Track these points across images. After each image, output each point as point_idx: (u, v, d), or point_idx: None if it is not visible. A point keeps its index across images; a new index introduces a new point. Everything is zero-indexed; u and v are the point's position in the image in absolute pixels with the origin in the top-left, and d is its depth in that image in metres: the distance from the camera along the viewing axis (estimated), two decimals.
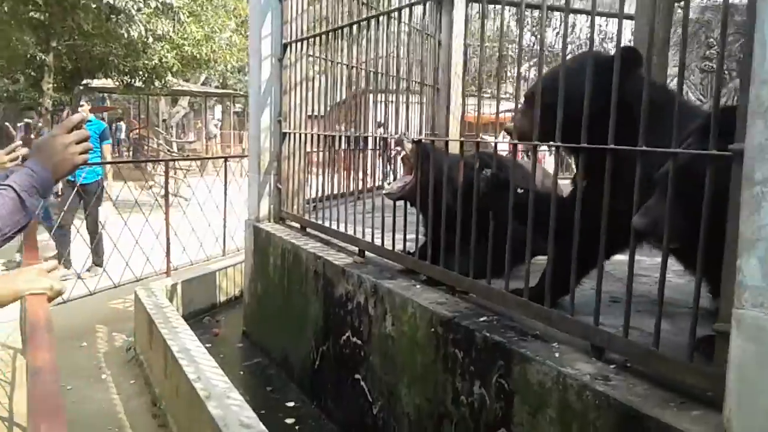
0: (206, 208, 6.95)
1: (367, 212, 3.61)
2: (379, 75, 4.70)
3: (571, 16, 8.56)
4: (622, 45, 2.08)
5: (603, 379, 1.97)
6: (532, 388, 2.16)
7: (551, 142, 2.24)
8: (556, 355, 2.17)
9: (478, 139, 2.71)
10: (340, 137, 4.17)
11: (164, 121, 22.88)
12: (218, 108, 29.64)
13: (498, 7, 6.44)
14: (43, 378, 0.83)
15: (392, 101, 3.41)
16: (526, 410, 2.19)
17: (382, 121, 3.75)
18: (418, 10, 5.53)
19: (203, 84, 23.19)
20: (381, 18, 3.55)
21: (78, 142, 1.55)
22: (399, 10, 3.34)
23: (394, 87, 3.37)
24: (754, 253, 1.47)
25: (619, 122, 2.00)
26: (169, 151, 18.44)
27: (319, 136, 4.35)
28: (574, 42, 11.60)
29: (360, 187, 4.22)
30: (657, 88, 2.16)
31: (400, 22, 3.37)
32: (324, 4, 4.40)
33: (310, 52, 4.55)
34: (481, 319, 2.55)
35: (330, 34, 4.21)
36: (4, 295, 1.26)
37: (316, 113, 4.41)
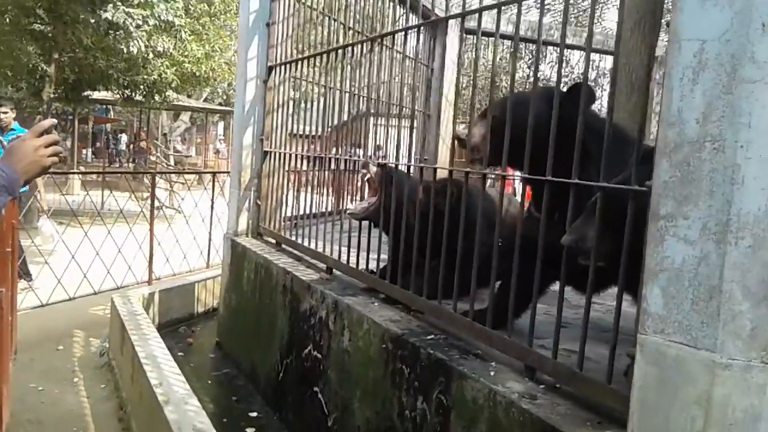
0: (193, 221, 7.07)
1: (344, 231, 3.72)
2: (369, 99, 4.87)
3: (566, 50, 8.78)
4: (578, 82, 2.22)
5: (530, 397, 2.07)
6: (467, 404, 2.26)
7: (497, 172, 2.36)
8: (492, 373, 2.28)
9: (467, 168, 2.61)
10: (319, 158, 4.30)
11: (165, 135, 23.09)
12: (221, 124, 29.93)
13: (491, 38, 6.64)
14: None
15: (382, 125, 3.53)
16: (461, 425, 2.29)
17: (380, 144, 3.89)
18: (409, 35, 5.69)
19: (205, 100, 23.44)
20: (367, 43, 3.67)
21: (47, 146, 1.64)
22: (389, 34, 3.43)
23: (385, 111, 3.47)
24: (657, 282, 1.59)
25: (563, 154, 2.12)
26: (166, 164, 18.59)
27: (299, 155, 4.48)
28: (568, 75, 11.85)
29: (337, 206, 4.33)
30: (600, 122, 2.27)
31: (385, 47, 3.50)
32: (312, 30, 4.56)
33: (296, 75, 4.70)
34: (429, 337, 2.66)
35: (316, 57, 4.35)
36: None
37: (306, 133, 4.54)
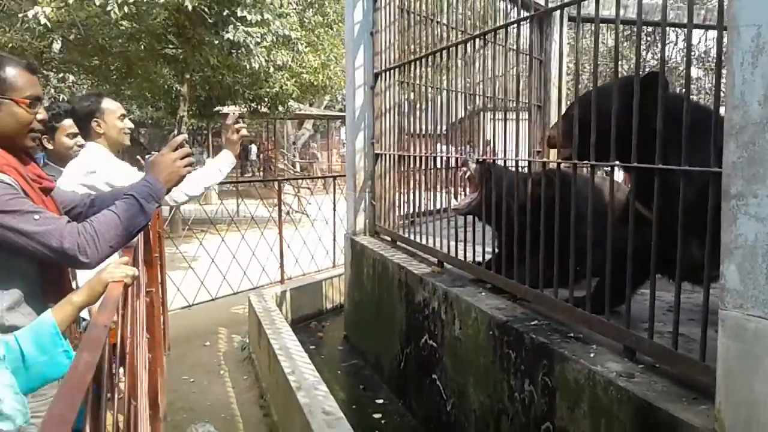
0: (319, 223, 7.54)
1: (454, 227, 3.86)
2: (477, 96, 4.98)
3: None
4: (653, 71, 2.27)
5: (627, 376, 2.16)
6: (569, 385, 2.37)
7: (588, 161, 2.45)
8: (591, 355, 2.37)
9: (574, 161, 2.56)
10: (427, 157, 4.50)
11: (294, 143, 24.20)
12: (343, 129, 30.96)
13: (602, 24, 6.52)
14: (96, 331, 1.18)
15: (494, 119, 3.61)
16: (565, 405, 2.40)
17: (489, 140, 4.00)
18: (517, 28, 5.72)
19: (326, 107, 24.34)
20: (470, 41, 3.75)
21: (182, 158, 1.97)
22: (498, 29, 3.43)
23: (494, 107, 3.54)
24: (732, 260, 1.65)
25: (646, 142, 2.18)
26: (293, 171, 19.56)
27: (407, 156, 4.69)
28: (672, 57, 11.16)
29: (447, 203, 4.49)
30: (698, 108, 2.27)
31: (492, 43, 3.59)
32: (415, 34, 4.72)
33: (402, 79, 4.91)
34: (532, 322, 2.78)
35: (419, 60, 4.52)
36: (96, 286, 1.65)
37: (418, 132, 4.73)
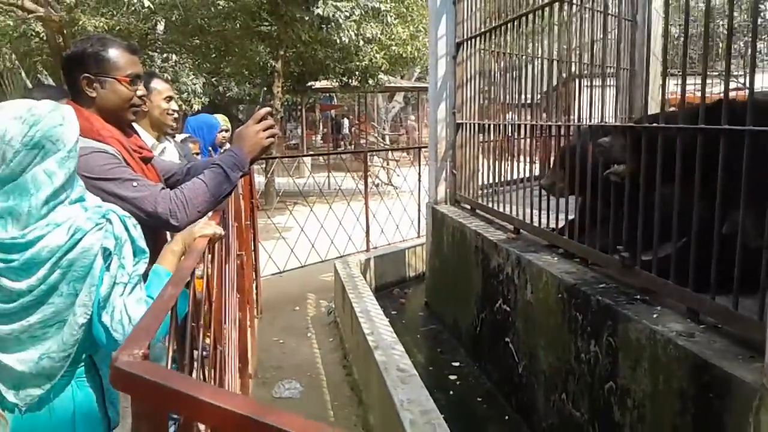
0: (405, 194, 7.71)
1: (533, 196, 3.90)
2: (565, 62, 4.85)
3: None
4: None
5: (687, 335, 2.19)
6: (631, 345, 2.42)
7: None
8: (654, 316, 2.41)
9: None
10: (506, 125, 4.52)
11: (384, 118, 24.40)
12: None
13: None
14: (182, 272, 1.36)
15: (587, 86, 3.52)
16: (628, 364, 2.45)
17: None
18: None
19: (418, 79, 24.35)
20: (557, 4, 3.64)
21: (265, 129, 2.06)
22: None
23: (587, 73, 3.37)
24: None
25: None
26: (383, 144, 19.81)
27: (488, 125, 4.74)
28: None
29: (529, 172, 4.50)
30: None
31: (579, 5, 3.52)
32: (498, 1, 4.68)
33: (485, 47, 4.91)
34: (600, 285, 2.82)
35: (500, 28, 4.49)
36: (187, 238, 1.85)
37: (503, 101, 4.66)
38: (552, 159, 3.55)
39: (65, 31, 8.89)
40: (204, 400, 0.64)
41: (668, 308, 2.47)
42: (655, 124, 2.48)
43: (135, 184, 1.85)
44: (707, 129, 2.21)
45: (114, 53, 1.93)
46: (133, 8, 8.55)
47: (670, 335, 2.21)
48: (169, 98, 3.09)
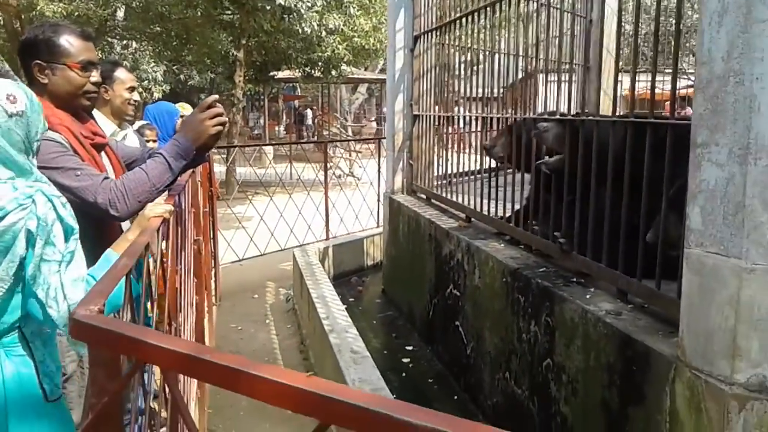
0: (365, 185, 7.83)
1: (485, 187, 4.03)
2: (523, 58, 4.94)
3: None
4: None
5: (615, 314, 2.36)
6: (566, 324, 2.58)
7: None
8: (588, 296, 2.58)
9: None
10: (463, 118, 4.68)
11: (346, 109, 24.46)
12: None
13: None
14: (135, 246, 1.44)
15: (544, 81, 3.63)
16: (563, 342, 2.62)
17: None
18: None
19: (381, 71, 24.45)
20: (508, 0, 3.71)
21: (212, 117, 2.02)
22: None
23: (542, 68, 3.48)
24: (696, 202, 1.82)
25: None
26: (346, 135, 19.88)
27: (444, 117, 4.87)
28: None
29: (481, 162, 4.65)
30: None
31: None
32: None
33: (444, 41, 5.03)
34: (540, 269, 2.99)
35: (458, 21, 4.60)
36: (142, 221, 1.91)
37: (472, 95, 4.75)
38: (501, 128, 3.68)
39: (23, 16, 8.76)
40: (152, 342, 0.74)
41: (601, 290, 2.64)
42: (588, 118, 2.64)
43: (78, 173, 1.87)
44: (636, 122, 2.38)
45: (66, 39, 1.97)
46: None
47: (600, 314, 2.38)
48: (132, 89, 3.13)
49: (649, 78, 2.35)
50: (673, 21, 2.27)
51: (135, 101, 3.15)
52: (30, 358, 1.50)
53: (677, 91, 2.31)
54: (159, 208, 1.92)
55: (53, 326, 1.47)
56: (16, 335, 1.50)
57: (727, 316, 1.73)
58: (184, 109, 5.11)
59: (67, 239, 1.48)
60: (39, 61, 1.95)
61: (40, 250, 1.41)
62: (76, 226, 1.52)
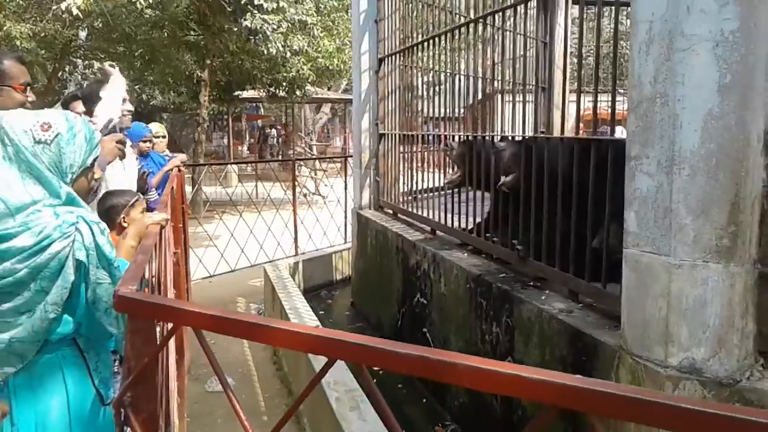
0: (332, 202, 8.04)
1: (448, 201, 4.27)
2: (483, 79, 5.20)
3: None
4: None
5: (567, 312, 2.61)
6: (524, 323, 2.82)
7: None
8: (543, 297, 2.82)
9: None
10: (425, 136, 4.93)
11: (310, 129, 24.64)
12: None
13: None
14: (142, 257, 1.62)
15: (506, 101, 3.88)
16: (522, 340, 2.86)
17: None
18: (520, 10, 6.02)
19: (344, 91, 24.76)
20: (471, 24, 3.99)
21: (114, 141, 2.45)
22: (496, 12, 3.66)
23: (499, 89, 3.76)
24: (632, 208, 2.08)
25: None
26: (311, 154, 20.06)
27: (408, 135, 5.12)
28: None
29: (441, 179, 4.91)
30: None
31: (492, 26, 3.93)
32: (417, 20, 5.10)
33: (407, 63, 5.30)
34: (501, 275, 3.23)
35: (419, 46, 4.89)
36: (140, 227, 2.09)
37: (434, 115, 5.00)
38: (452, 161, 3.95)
39: None
40: (186, 308, 0.93)
41: (555, 291, 2.89)
42: (539, 136, 2.91)
43: None
44: (582, 139, 2.65)
45: (8, 64, 2.20)
46: (59, 14, 8.55)
47: (553, 312, 2.62)
48: (123, 100, 3.36)
49: (607, 98, 2.63)
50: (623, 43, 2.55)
51: (128, 111, 3.37)
52: (85, 366, 1.64)
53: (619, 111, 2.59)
54: (156, 216, 2.10)
55: (111, 337, 1.64)
56: (71, 345, 1.63)
57: (660, 307, 1.98)
58: (161, 128, 5.26)
59: (111, 260, 1.62)
60: None
61: (94, 276, 1.55)
62: (113, 250, 1.65)
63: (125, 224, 2.76)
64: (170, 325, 0.98)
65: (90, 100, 3.41)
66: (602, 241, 2.52)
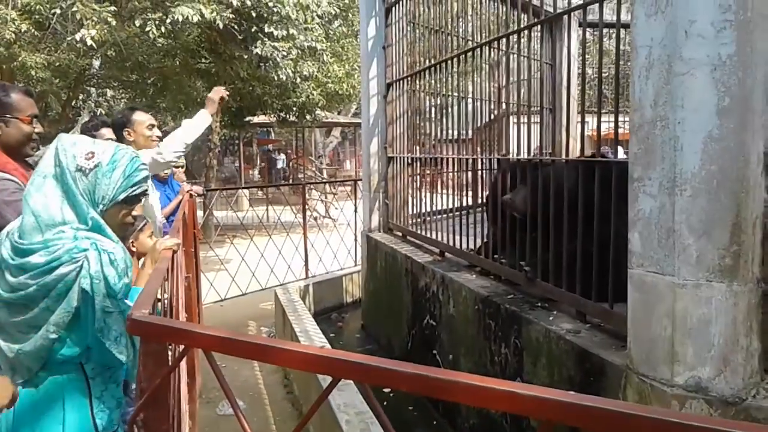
0: (343, 226, 8.09)
1: (470, 224, 4.31)
2: (484, 102, 5.28)
3: None
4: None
5: (575, 332, 2.63)
6: (532, 344, 2.84)
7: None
8: (551, 318, 2.84)
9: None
10: (434, 159, 4.98)
11: (320, 154, 24.81)
12: None
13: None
14: (156, 276, 1.67)
15: (514, 123, 3.93)
16: (530, 361, 2.87)
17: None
18: (527, 35, 6.11)
19: (354, 115, 24.96)
20: (480, 48, 4.01)
21: None
22: (506, 36, 3.65)
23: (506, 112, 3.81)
24: (636, 229, 2.11)
25: None
26: (321, 178, 20.20)
27: (417, 158, 5.18)
28: None
29: (454, 201, 4.94)
30: None
31: (499, 50, 4.02)
32: (424, 46, 5.19)
33: (414, 87, 5.38)
34: (509, 296, 3.25)
35: (427, 71, 4.97)
36: (155, 255, 2.14)
37: (443, 137, 5.05)
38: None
39: (3, 67, 8.97)
40: (197, 331, 0.97)
41: (563, 312, 2.91)
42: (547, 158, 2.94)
43: None
44: (585, 160, 2.69)
45: (15, 97, 2.27)
46: (73, 45, 8.72)
47: (561, 332, 2.64)
48: (151, 126, 3.47)
49: (611, 118, 2.67)
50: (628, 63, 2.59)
51: (157, 136, 3.46)
52: (87, 393, 1.66)
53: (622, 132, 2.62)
54: (168, 242, 2.15)
55: (122, 367, 1.67)
56: (77, 370, 1.66)
57: (666, 326, 2.00)
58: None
59: (121, 291, 1.64)
60: None
61: (102, 304, 1.58)
62: (122, 280, 1.65)
63: (134, 248, 2.82)
64: (182, 348, 1.02)
65: (119, 128, 3.50)
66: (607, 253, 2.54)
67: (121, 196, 1.70)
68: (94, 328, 1.59)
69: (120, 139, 3.49)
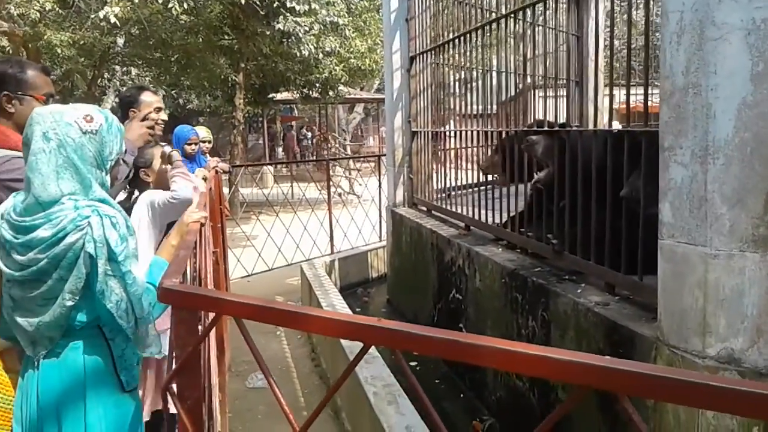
0: (367, 202, 8.11)
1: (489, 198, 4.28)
2: (510, 74, 5.19)
3: None
4: None
5: (603, 305, 2.61)
6: (560, 316, 2.82)
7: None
8: (578, 291, 2.82)
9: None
10: (459, 132, 4.94)
11: (343, 129, 24.79)
12: None
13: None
14: (184, 251, 1.69)
15: (541, 96, 3.88)
16: (558, 334, 2.86)
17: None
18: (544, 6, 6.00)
19: (376, 91, 24.83)
20: (505, 18, 3.93)
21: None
22: (527, 7, 3.60)
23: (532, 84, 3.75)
24: (666, 199, 2.07)
25: None
26: (345, 154, 20.21)
27: (441, 132, 5.15)
28: None
29: (478, 175, 4.91)
30: None
31: (524, 21, 3.94)
32: (447, 18, 5.12)
33: (438, 61, 5.32)
34: (535, 269, 3.23)
35: (450, 43, 4.91)
36: (182, 227, 2.16)
37: (467, 112, 4.99)
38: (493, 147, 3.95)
39: (29, 45, 9.06)
40: (228, 299, 0.98)
41: (591, 284, 2.88)
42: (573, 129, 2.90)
43: None
44: (616, 132, 2.64)
45: (31, 75, 2.23)
46: (97, 23, 8.77)
47: (590, 305, 2.62)
48: (159, 109, 3.32)
49: (639, 90, 2.62)
50: (656, 35, 2.53)
51: (162, 120, 3.36)
52: (109, 353, 1.71)
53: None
54: (196, 214, 2.16)
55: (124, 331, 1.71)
56: (97, 332, 1.71)
57: (697, 297, 1.97)
58: (208, 133, 5.32)
59: (122, 254, 1.67)
60: (7, 93, 2.19)
61: (104, 267, 1.61)
62: (125, 244, 1.68)
63: (147, 177, 2.84)
64: (211, 317, 1.02)
65: (124, 107, 3.42)
66: (632, 191, 2.50)
67: (123, 148, 1.77)
68: (96, 291, 1.62)
69: (125, 116, 3.33)
